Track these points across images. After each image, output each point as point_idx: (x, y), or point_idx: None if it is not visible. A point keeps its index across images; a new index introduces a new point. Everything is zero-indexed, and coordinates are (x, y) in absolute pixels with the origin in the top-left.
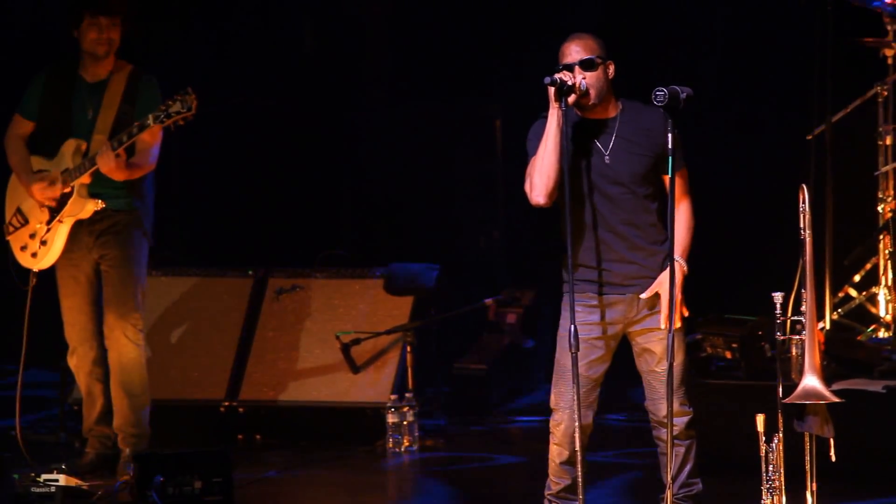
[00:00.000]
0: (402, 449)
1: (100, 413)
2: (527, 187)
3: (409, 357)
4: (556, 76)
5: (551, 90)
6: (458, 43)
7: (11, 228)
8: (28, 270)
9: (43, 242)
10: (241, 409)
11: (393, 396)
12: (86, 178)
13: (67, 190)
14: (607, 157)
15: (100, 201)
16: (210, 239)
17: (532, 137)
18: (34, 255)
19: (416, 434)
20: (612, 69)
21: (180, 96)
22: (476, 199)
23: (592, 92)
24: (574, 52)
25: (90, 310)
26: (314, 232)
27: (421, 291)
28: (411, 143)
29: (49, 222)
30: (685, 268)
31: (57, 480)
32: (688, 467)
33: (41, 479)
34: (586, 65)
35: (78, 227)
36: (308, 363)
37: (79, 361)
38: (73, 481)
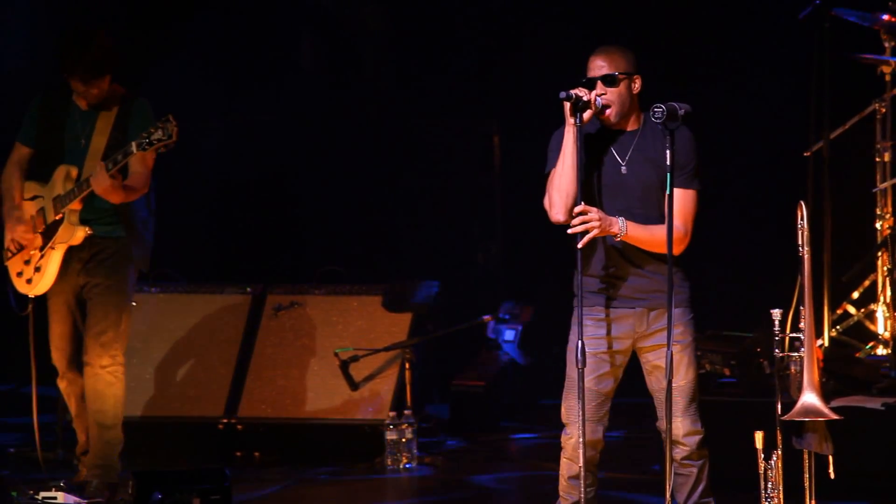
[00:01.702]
0: (401, 466)
1: (88, 434)
2: (546, 204)
3: (407, 374)
4: (572, 91)
5: (566, 105)
6: (457, 59)
7: (9, 254)
8: (25, 296)
9: (37, 269)
10: (239, 426)
11: (391, 413)
12: (76, 205)
13: (59, 217)
14: (624, 168)
15: (87, 228)
16: (208, 256)
17: (552, 148)
18: (29, 281)
19: (415, 451)
20: (638, 84)
21: (162, 124)
22: (474, 215)
23: (613, 109)
24: (598, 66)
25: (77, 336)
26: (312, 248)
27: (419, 308)
28: (409, 158)
29: (42, 248)
30: (622, 228)
31: (55, 498)
32: (701, 487)
33: (40, 497)
34: (608, 81)
35: (68, 254)
36: (306, 380)
37: (68, 386)
38: (72, 499)
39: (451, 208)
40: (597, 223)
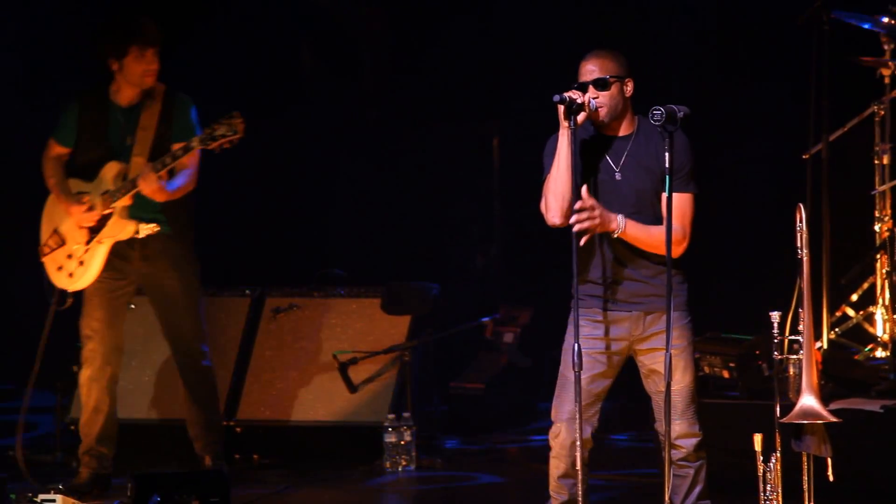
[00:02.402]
0: (400, 468)
1: (101, 431)
2: (542, 208)
3: (406, 376)
4: (566, 94)
5: (560, 109)
6: (457, 61)
7: (47, 249)
8: (63, 291)
9: (80, 263)
10: (238, 429)
11: (390, 416)
12: (127, 200)
13: (108, 211)
14: (618, 175)
15: (154, 224)
16: (207, 258)
17: (547, 153)
18: (71, 275)
19: (414, 453)
20: (630, 87)
21: (227, 119)
22: (473, 217)
23: (603, 111)
24: (589, 70)
25: (116, 325)
26: (311, 251)
27: (418, 310)
28: (409, 161)
29: (88, 243)
30: (621, 225)
31: (54, 501)
32: (698, 489)
33: (38, 500)
34: (599, 84)
35: (127, 249)
36: (305, 383)
37: (94, 374)
38: (70, 502)
39: (451, 211)
40: (597, 220)
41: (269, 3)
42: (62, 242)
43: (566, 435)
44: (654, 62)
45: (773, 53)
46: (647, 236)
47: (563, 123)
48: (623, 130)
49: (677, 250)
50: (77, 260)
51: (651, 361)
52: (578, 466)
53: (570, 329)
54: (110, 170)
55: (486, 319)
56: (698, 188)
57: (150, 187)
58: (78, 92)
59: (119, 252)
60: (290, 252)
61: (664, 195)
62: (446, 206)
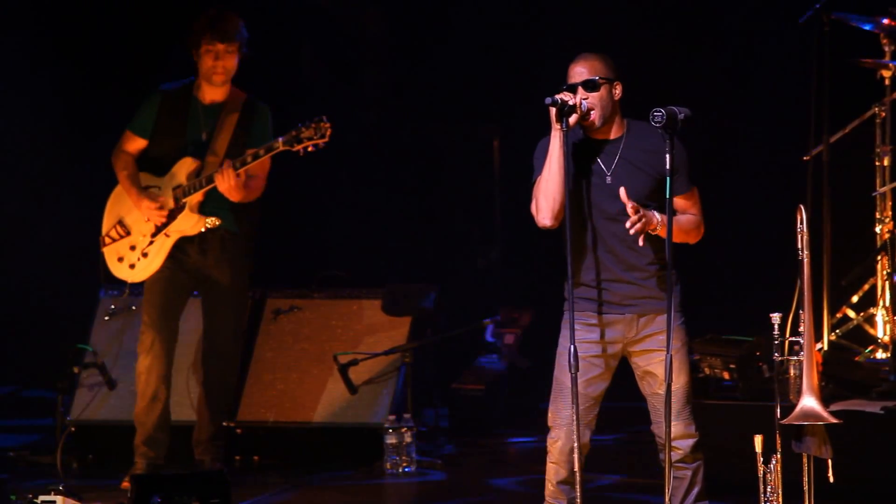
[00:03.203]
0: (400, 470)
1: (159, 419)
2: (533, 209)
3: (407, 378)
4: (557, 97)
5: (552, 111)
6: (457, 63)
7: (109, 240)
8: (122, 282)
9: (144, 255)
10: (238, 430)
11: (391, 417)
12: (199, 196)
13: (177, 206)
14: (609, 178)
15: (215, 218)
16: None
17: (537, 156)
18: (132, 266)
19: (414, 455)
20: (618, 90)
21: (315, 123)
22: (474, 219)
23: (595, 113)
24: (578, 72)
25: (175, 316)
26: (312, 252)
27: (419, 312)
28: (409, 162)
29: (154, 235)
30: (658, 221)
31: (54, 502)
32: (695, 490)
33: (38, 501)
34: (589, 85)
35: (189, 242)
36: (306, 384)
37: (153, 362)
38: (71, 503)
39: (451, 212)
40: (644, 218)
41: (269, 5)
42: (126, 233)
43: (565, 441)
44: (653, 64)
45: (774, 54)
46: (678, 228)
47: (555, 125)
48: (613, 133)
49: (698, 237)
50: (140, 251)
51: (645, 363)
52: (577, 469)
53: (564, 333)
54: (184, 165)
55: (486, 321)
56: (698, 181)
57: (228, 183)
58: (163, 84)
59: (179, 244)
60: (290, 253)
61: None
62: (447, 208)
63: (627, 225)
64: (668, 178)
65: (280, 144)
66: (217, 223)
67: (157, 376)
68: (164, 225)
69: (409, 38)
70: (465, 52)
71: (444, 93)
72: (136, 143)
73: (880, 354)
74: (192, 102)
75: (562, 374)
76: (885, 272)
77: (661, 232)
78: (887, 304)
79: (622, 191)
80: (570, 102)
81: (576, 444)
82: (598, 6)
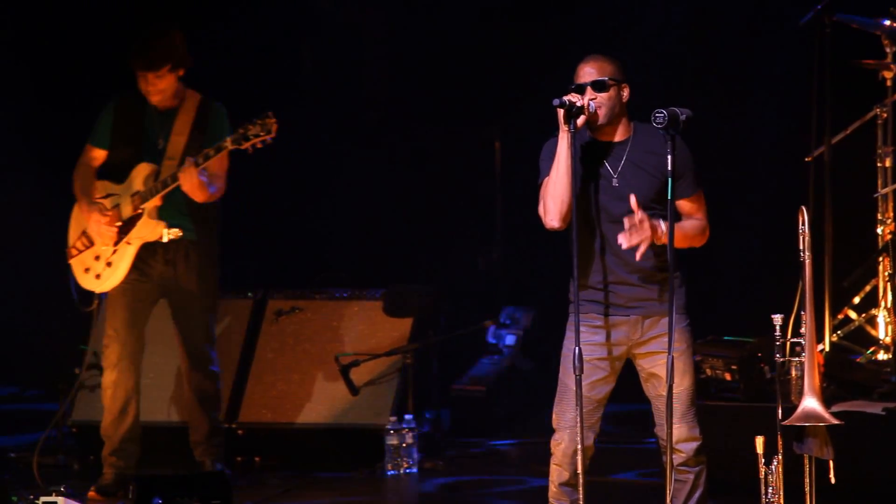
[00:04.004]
0: (401, 471)
1: (127, 433)
2: (540, 210)
3: (408, 379)
4: (565, 98)
5: (560, 112)
6: (458, 65)
7: (75, 251)
8: (90, 293)
9: (108, 264)
10: (240, 431)
11: (392, 418)
12: (157, 201)
13: (138, 212)
14: (615, 181)
15: (178, 230)
16: None
17: (544, 158)
18: (98, 276)
19: (415, 456)
20: (626, 92)
21: (260, 120)
22: (475, 220)
23: (601, 112)
24: (587, 73)
25: (141, 328)
26: (313, 253)
27: (420, 313)
28: (410, 164)
29: (116, 244)
30: (662, 228)
31: (56, 503)
32: (697, 493)
33: (39, 501)
34: (598, 86)
35: (151, 252)
36: (307, 385)
37: (119, 377)
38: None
39: (452, 213)
40: (647, 232)
41: (269, 6)
42: (90, 244)
43: (569, 442)
44: (654, 65)
45: (776, 56)
46: (681, 234)
47: (563, 127)
48: (619, 136)
49: (703, 241)
50: (105, 261)
51: (650, 365)
52: (580, 471)
53: (570, 335)
54: (141, 171)
55: (487, 322)
56: (702, 183)
57: (191, 182)
58: (117, 94)
59: (143, 255)
60: (292, 254)
61: (680, 201)
62: (448, 209)
63: (620, 238)
64: (669, 179)
65: (229, 143)
66: (179, 234)
67: (124, 390)
68: (125, 233)
69: (409, 39)
70: (467, 52)
71: (445, 94)
72: (96, 155)
73: (882, 355)
74: (147, 109)
75: (566, 377)
76: (886, 273)
77: (665, 240)
78: (889, 305)
79: (633, 199)
80: (578, 104)
81: (579, 447)
82: (599, 8)
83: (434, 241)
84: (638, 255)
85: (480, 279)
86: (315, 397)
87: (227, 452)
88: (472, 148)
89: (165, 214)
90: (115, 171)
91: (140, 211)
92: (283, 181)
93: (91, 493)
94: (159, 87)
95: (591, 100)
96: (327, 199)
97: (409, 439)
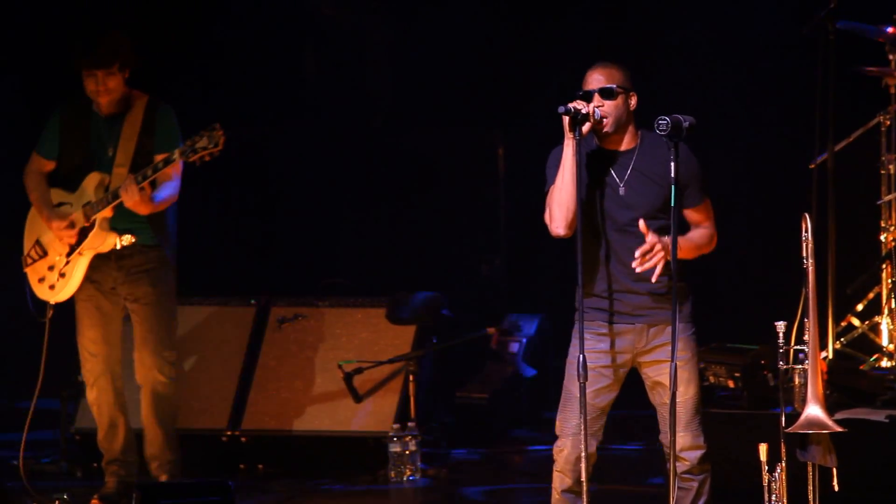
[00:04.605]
0: (405, 478)
1: (124, 443)
2: (546, 218)
3: (411, 386)
4: (571, 105)
5: (566, 120)
6: (461, 70)
7: (30, 260)
8: (45, 303)
9: (62, 275)
10: (243, 439)
11: (395, 426)
12: (108, 212)
13: (88, 223)
14: (622, 189)
15: (130, 236)
16: (212, 268)
17: (550, 165)
18: (52, 287)
19: (419, 463)
20: (634, 100)
21: (207, 132)
22: (478, 226)
23: (608, 120)
24: (595, 80)
25: (112, 341)
26: (316, 260)
27: (423, 320)
28: (414, 170)
29: (69, 255)
30: (665, 240)
31: None
32: (701, 501)
33: None
34: (605, 93)
35: (105, 260)
36: (310, 392)
37: (100, 394)
38: None
39: (456, 220)
40: (661, 254)
41: (272, 11)
42: (44, 254)
43: (571, 449)
44: (659, 71)
45: (779, 63)
46: (689, 245)
47: (569, 134)
48: (626, 145)
49: (711, 248)
50: (58, 272)
51: (655, 373)
52: (584, 479)
53: (574, 342)
54: (92, 181)
55: (491, 329)
56: (709, 192)
57: (133, 199)
58: (61, 103)
59: (97, 262)
60: (295, 261)
61: (686, 210)
62: (451, 216)
63: (635, 265)
64: (672, 186)
65: (177, 155)
66: (133, 240)
67: (108, 405)
68: (78, 243)
69: (413, 44)
70: (470, 58)
71: (448, 100)
72: (43, 165)
73: (885, 363)
74: (93, 116)
75: (570, 384)
76: (889, 280)
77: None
78: (892, 312)
79: (642, 223)
80: (584, 111)
81: (583, 454)
82: (601, 12)
83: (437, 248)
84: (654, 278)
85: (484, 286)
86: (318, 405)
87: (230, 460)
88: (476, 154)
89: (119, 219)
90: (67, 179)
91: (91, 222)
92: (286, 187)
93: (94, 502)
94: (109, 87)
95: (598, 107)
96: (330, 206)
97: (412, 447)
